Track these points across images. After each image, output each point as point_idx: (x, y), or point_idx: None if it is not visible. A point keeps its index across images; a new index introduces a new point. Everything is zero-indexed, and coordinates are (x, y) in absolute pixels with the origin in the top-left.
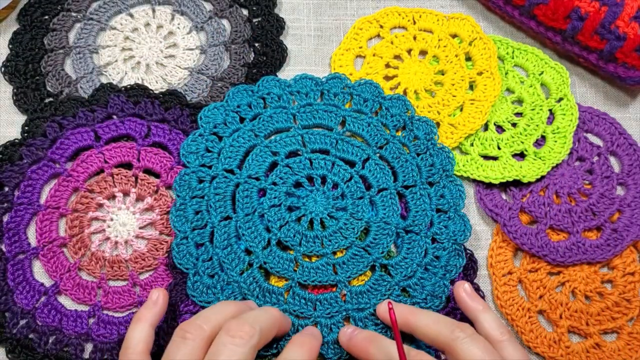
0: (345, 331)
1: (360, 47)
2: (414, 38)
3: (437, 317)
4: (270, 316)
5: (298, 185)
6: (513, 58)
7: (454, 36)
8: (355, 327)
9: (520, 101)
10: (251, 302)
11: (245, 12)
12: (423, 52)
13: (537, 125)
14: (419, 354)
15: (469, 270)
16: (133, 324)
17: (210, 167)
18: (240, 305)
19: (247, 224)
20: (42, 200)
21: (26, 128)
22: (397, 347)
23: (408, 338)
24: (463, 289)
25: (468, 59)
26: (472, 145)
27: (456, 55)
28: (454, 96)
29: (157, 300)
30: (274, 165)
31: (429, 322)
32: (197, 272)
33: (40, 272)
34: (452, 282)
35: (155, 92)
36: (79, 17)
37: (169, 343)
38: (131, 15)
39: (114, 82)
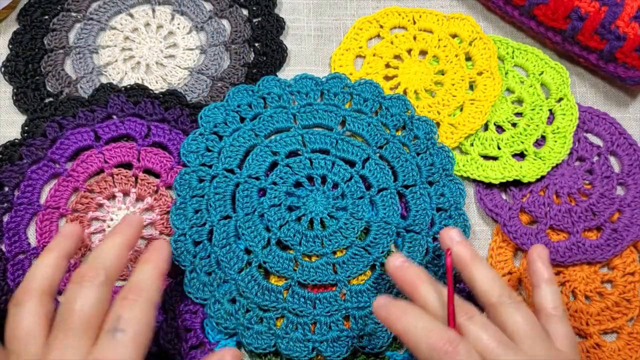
0: (394, 260)
1: (360, 47)
2: (414, 38)
3: (494, 275)
4: (112, 248)
5: (298, 185)
6: (513, 58)
7: (454, 36)
8: (405, 259)
9: (520, 101)
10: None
11: (245, 12)
12: (423, 52)
13: (537, 125)
14: (467, 306)
15: None
16: (41, 256)
17: (210, 167)
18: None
19: (247, 224)
20: (42, 200)
21: (26, 128)
22: (447, 295)
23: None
24: (539, 253)
25: (468, 59)
26: (472, 145)
27: (456, 55)
28: (454, 96)
29: (72, 233)
30: (274, 165)
31: (483, 278)
32: (194, 269)
33: None
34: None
35: (155, 92)
36: (79, 17)
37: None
38: (131, 15)
39: (114, 82)
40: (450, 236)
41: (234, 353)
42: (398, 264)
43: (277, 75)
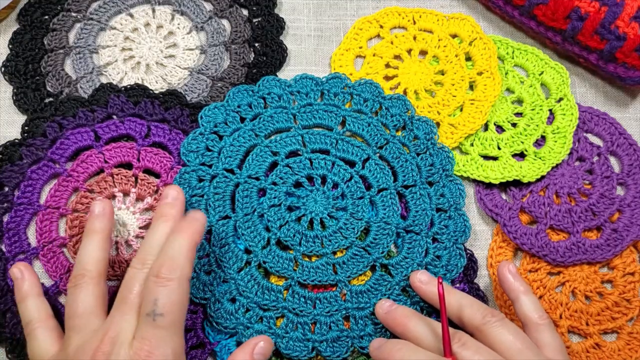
0: (382, 304)
1: (360, 47)
2: (414, 38)
3: (471, 300)
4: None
5: (298, 185)
6: (513, 58)
7: (454, 36)
8: (392, 302)
9: (520, 101)
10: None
11: (245, 12)
12: (423, 52)
13: (537, 125)
14: (459, 333)
15: (469, 270)
16: (85, 238)
17: (210, 166)
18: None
19: (247, 224)
20: (42, 200)
21: (26, 128)
22: (442, 323)
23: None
24: (508, 269)
25: (468, 59)
26: (472, 145)
27: (456, 55)
28: (454, 96)
29: (104, 210)
30: (274, 165)
31: (463, 303)
32: (194, 269)
33: (40, 272)
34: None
35: (155, 92)
36: (79, 17)
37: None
38: (131, 15)
39: (114, 82)
40: (420, 279)
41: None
42: (385, 308)
43: (277, 75)
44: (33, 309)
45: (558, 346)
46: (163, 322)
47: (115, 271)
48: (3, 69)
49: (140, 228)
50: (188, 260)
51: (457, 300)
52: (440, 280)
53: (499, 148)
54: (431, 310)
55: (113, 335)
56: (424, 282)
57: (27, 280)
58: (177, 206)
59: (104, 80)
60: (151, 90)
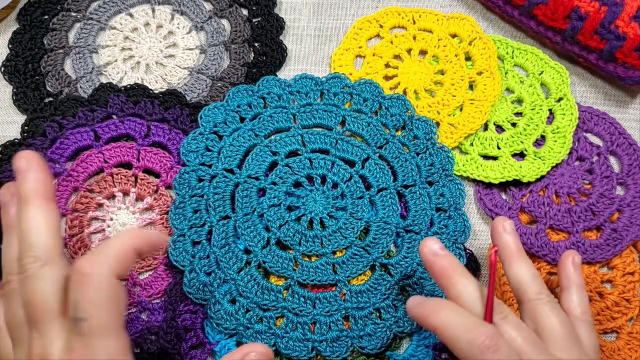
0: (431, 245)
1: (360, 47)
2: (414, 38)
3: (535, 272)
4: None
5: (298, 185)
6: (513, 58)
7: (454, 36)
8: (443, 246)
9: (520, 101)
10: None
11: (245, 12)
12: (423, 52)
13: (537, 125)
14: (502, 306)
15: (469, 270)
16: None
17: (210, 166)
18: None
19: (247, 224)
20: None
21: (26, 128)
22: (489, 290)
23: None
24: (573, 259)
25: (468, 59)
26: (472, 145)
27: (456, 55)
28: (454, 96)
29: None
30: (274, 165)
31: (525, 273)
32: (194, 270)
33: None
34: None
35: (155, 92)
36: (79, 17)
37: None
38: (131, 15)
39: (114, 82)
40: (504, 226)
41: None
42: (435, 250)
43: (277, 75)
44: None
45: (594, 346)
46: (88, 329)
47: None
48: (3, 69)
49: (140, 228)
50: (116, 254)
51: (526, 269)
52: (496, 249)
53: (499, 148)
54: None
55: (37, 355)
56: (435, 254)
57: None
58: (30, 177)
59: (104, 80)
60: (151, 90)
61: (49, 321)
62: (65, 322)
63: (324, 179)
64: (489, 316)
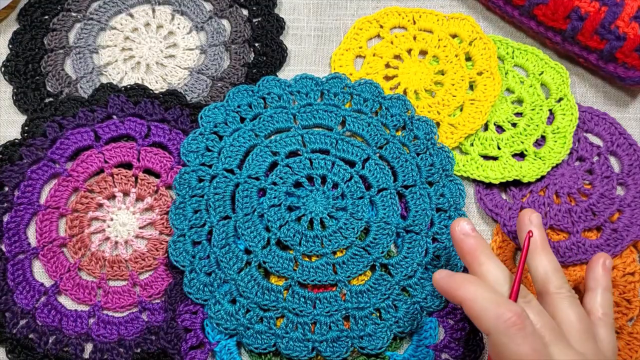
0: (462, 225)
1: (360, 47)
2: (414, 38)
3: (558, 266)
4: None
5: (298, 185)
6: (513, 58)
7: (454, 36)
8: (474, 227)
9: (520, 101)
10: None
11: (245, 12)
12: (423, 52)
13: (537, 125)
14: (526, 291)
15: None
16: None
17: (210, 166)
18: None
19: (247, 224)
20: (42, 200)
21: (26, 128)
22: (518, 269)
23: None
24: (603, 261)
25: (468, 59)
26: (472, 145)
27: (456, 55)
28: (454, 96)
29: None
30: (274, 165)
31: (547, 265)
32: (194, 270)
33: (40, 272)
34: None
35: (155, 92)
36: (79, 17)
37: None
38: (131, 15)
39: (114, 82)
40: (531, 219)
41: None
42: (466, 230)
43: (277, 75)
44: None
45: (612, 346)
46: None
47: (115, 271)
48: (3, 69)
49: (140, 228)
50: None
51: (550, 262)
52: (531, 235)
53: (499, 148)
54: (431, 310)
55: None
56: (466, 233)
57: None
58: None
59: (104, 80)
60: (151, 90)
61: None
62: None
63: (324, 179)
64: (514, 296)
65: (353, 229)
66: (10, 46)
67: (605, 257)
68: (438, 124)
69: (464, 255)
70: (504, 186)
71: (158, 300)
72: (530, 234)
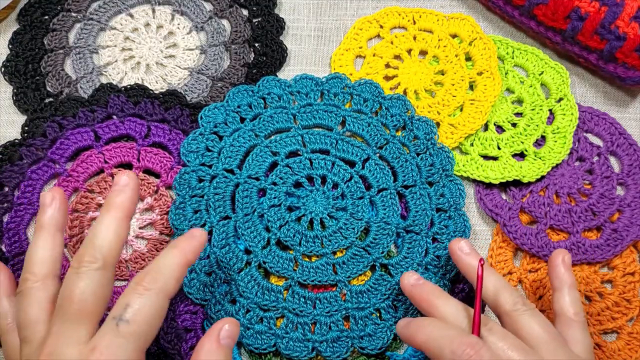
0: (409, 276)
1: (360, 47)
2: (414, 38)
3: (505, 283)
4: (108, 230)
5: (298, 185)
6: (513, 58)
7: (454, 36)
8: (419, 276)
9: (520, 101)
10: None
11: (245, 12)
12: (423, 52)
13: (537, 125)
14: (486, 318)
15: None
16: (34, 235)
17: (210, 167)
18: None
19: (247, 224)
20: None
21: (26, 128)
22: (475, 302)
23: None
24: (563, 258)
25: (468, 59)
26: (472, 145)
27: (456, 55)
28: (454, 96)
29: (53, 199)
30: (274, 165)
31: (497, 286)
32: (194, 270)
33: None
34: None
35: (155, 92)
36: (79, 17)
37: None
38: (131, 15)
39: (114, 82)
40: (460, 247)
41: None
42: (413, 281)
43: (277, 76)
44: (3, 310)
45: (587, 345)
46: (126, 330)
47: (115, 271)
48: (3, 69)
49: (140, 228)
50: (174, 276)
51: (494, 282)
52: (482, 263)
53: (499, 148)
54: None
55: (50, 350)
56: (465, 251)
57: (133, 194)
58: (126, 192)
59: (104, 80)
60: (151, 90)
61: (77, 320)
62: (90, 327)
63: (324, 179)
64: (476, 329)
65: (353, 229)
66: (10, 46)
67: (563, 253)
68: (438, 124)
69: (419, 304)
70: (504, 186)
71: None
72: (482, 262)
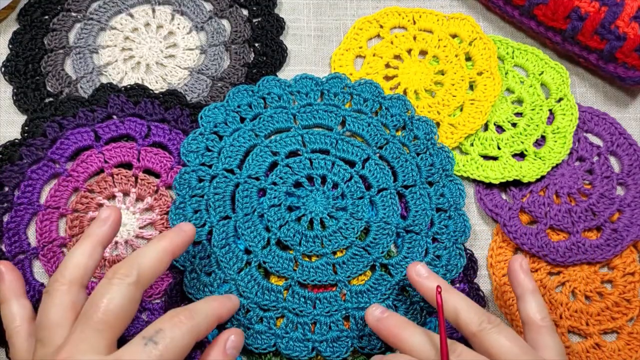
0: (373, 311)
1: (360, 47)
2: (414, 38)
3: (469, 303)
4: (153, 251)
5: (298, 185)
6: (513, 58)
7: (454, 36)
8: (384, 309)
9: (520, 101)
10: None
11: (245, 12)
12: (423, 52)
13: (537, 125)
14: (455, 344)
15: (469, 270)
16: (77, 244)
17: (210, 166)
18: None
19: (247, 224)
20: (42, 200)
21: (26, 128)
22: (440, 333)
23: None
24: (520, 264)
25: (468, 59)
26: (472, 145)
27: (456, 55)
28: (454, 96)
29: (108, 218)
30: (274, 165)
31: (460, 307)
32: (194, 270)
33: (40, 272)
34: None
35: (155, 92)
36: (79, 17)
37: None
38: (131, 15)
39: (114, 82)
40: (417, 272)
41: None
42: (377, 315)
43: (277, 75)
44: (12, 312)
45: (558, 349)
46: (153, 352)
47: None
48: (3, 69)
49: (140, 228)
50: (209, 320)
51: (454, 304)
52: (439, 290)
53: (499, 148)
54: (431, 310)
55: (67, 356)
56: (422, 275)
57: (7, 282)
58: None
59: (104, 80)
60: (151, 90)
61: (99, 329)
62: (110, 340)
63: (324, 179)
64: (445, 356)
65: (353, 229)
66: (10, 46)
67: (519, 259)
68: (438, 124)
69: (386, 339)
70: (504, 186)
71: (158, 301)
72: (439, 289)
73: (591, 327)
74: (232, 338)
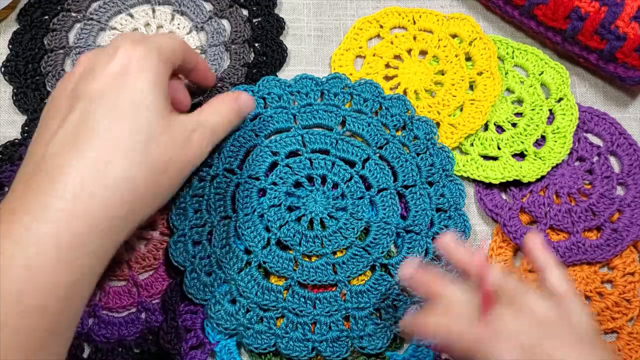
0: (408, 264)
1: (360, 47)
2: (414, 38)
3: (501, 268)
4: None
5: (298, 185)
6: (513, 58)
7: (454, 36)
8: (417, 262)
9: (520, 101)
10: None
11: (245, 12)
12: (423, 52)
13: (537, 125)
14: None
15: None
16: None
17: (210, 166)
18: None
19: (247, 224)
20: None
21: (26, 128)
22: (481, 288)
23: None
24: (534, 241)
25: (468, 59)
26: (472, 145)
27: (456, 55)
28: (454, 96)
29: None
30: (274, 165)
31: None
32: (194, 270)
33: None
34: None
35: None
36: (79, 17)
37: None
38: (131, 16)
39: None
40: (449, 246)
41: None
42: (412, 269)
43: (277, 76)
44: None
45: (586, 318)
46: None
47: (115, 271)
48: (3, 69)
49: (140, 228)
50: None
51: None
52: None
53: (499, 148)
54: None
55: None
56: (418, 272)
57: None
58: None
59: None
60: None
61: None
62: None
63: (324, 179)
64: (485, 311)
65: (353, 229)
66: (10, 46)
67: (533, 236)
68: (438, 124)
69: (423, 294)
70: (504, 186)
71: (158, 300)
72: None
73: None
74: (242, 96)
